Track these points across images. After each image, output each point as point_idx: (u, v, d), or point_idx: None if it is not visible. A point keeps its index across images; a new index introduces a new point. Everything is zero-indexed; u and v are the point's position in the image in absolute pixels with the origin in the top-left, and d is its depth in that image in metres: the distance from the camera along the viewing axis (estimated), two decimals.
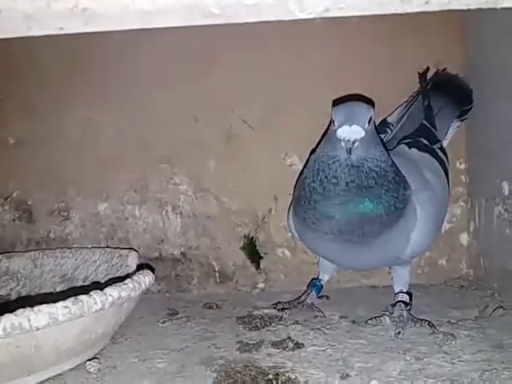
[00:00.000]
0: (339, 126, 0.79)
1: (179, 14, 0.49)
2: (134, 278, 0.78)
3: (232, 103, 1.16)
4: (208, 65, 1.15)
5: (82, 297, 0.67)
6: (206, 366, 0.76)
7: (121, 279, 0.78)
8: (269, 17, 0.52)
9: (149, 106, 1.16)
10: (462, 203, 1.18)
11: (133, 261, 0.99)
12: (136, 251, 1.03)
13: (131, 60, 1.15)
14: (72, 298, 0.66)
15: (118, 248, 1.08)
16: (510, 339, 0.81)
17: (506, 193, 1.00)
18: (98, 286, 0.76)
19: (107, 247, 1.12)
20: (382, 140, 0.94)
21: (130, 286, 0.76)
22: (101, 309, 0.69)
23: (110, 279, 0.97)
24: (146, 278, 0.80)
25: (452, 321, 0.90)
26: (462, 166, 1.18)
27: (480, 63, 1.09)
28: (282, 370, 0.74)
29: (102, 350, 0.82)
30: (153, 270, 0.87)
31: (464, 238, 1.18)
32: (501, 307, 0.92)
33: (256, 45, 1.14)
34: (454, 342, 0.81)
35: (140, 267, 0.92)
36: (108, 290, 0.72)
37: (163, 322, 0.96)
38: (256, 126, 1.17)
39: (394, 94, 1.11)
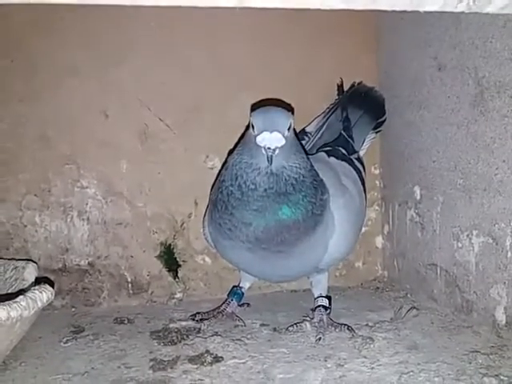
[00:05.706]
0: (259, 133, 0.77)
1: None
2: (28, 294, 0.69)
3: (147, 99, 1.09)
4: (120, 53, 1.07)
5: None
6: None
7: (15, 295, 0.71)
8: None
9: (52, 98, 1.06)
10: (377, 207, 1.22)
11: (30, 274, 0.91)
12: (35, 263, 0.95)
13: (33, 44, 1.04)
14: None
15: (13, 259, 0.98)
16: (423, 339, 0.85)
17: (418, 197, 1.04)
18: None
19: (0, 258, 1.00)
20: (302, 145, 0.93)
21: (23, 304, 0.67)
22: None
23: (1, 295, 0.87)
24: (43, 294, 0.71)
25: (369, 323, 0.93)
26: (377, 171, 1.22)
27: (394, 72, 1.14)
28: None
29: None
30: (53, 284, 0.78)
31: (379, 241, 1.23)
32: (414, 308, 0.97)
33: (174, 36, 1.08)
34: (372, 346, 0.83)
35: (40, 281, 0.85)
36: None
37: (66, 342, 0.89)
38: (174, 125, 1.11)
39: (308, 99, 1.11)
